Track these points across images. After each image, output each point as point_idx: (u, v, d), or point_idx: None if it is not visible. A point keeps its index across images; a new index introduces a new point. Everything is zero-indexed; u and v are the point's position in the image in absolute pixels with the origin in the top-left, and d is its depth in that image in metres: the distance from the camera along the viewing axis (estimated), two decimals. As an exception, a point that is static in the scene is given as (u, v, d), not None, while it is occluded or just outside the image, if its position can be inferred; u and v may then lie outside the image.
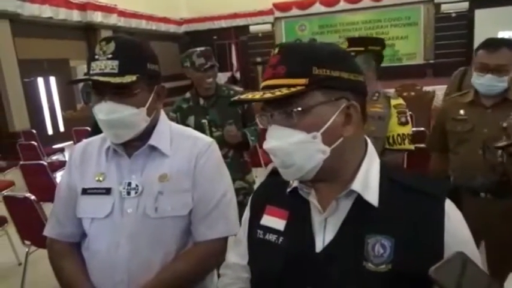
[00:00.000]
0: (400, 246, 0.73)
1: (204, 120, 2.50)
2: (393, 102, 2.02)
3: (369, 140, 0.83)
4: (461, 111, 1.95)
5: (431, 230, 0.73)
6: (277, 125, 0.76)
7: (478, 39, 10.27)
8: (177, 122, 2.47)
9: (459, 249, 0.71)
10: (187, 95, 2.61)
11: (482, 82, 1.85)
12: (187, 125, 2.48)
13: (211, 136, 2.37)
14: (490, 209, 1.83)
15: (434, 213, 0.74)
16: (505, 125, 1.76)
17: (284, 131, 0.75)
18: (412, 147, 2.01)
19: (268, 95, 0.72)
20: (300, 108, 0.73)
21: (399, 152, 2.01)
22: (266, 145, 0.78)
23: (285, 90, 0.72)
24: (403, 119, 2.00)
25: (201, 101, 2.54)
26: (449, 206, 0.76)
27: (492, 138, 1.81)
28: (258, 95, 0.74)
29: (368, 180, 0.77)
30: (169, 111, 2.57)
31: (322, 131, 0.74)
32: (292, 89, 0.72)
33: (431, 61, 12.08)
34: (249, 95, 0.76)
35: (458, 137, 1.95)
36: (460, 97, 2.05)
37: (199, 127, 2.45)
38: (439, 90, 6.35)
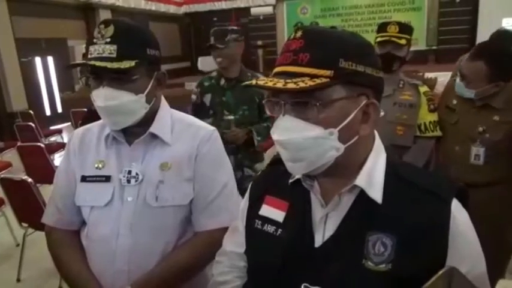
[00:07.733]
0: (401, 246, 0.70)
1: (227, 116, 2.45)
2: (422, 89, 2.04)
3: (377, 135, 0.80)
4: (454, 101, 1.96)
5: (435, 232, 0.70)
6: (291, 116, 0.71)
7: (482, 25, 10.16)
8: (197, 98, 2.53)
9: (464, 250, 0.69)
10: (214, 73, 2.61)
11: (455, 85, 1.88)
12: (204, 102, 2.52)
13: (222, 119, 2.37)
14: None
15: (440, 214, 0.70)
16: (480, 129, 1.81)
17: (299, 123, 0.70)
18: (441, 133, 2.02)
19: (291, 85, 0.66)
20: (320, 102, 0.68)
21: (431, 139, 2.03)
22: (277, 136, 0.72)
23: (308, 81, 0.66)
24: (432, 106, 2.01)
25: (222, 81, 2.53)
26: (455, 207, 0.71)
27: (468, 139, 1.85)
28: (278, 83, 0.68)
29: (373, 176, 0.74)
30: (194, 86, 2.62)
31: (339, 127, 0.70)
32: (317, 81, 0.66)
33: (434, 47, 11.92)
34: (268, 82, 0.69)
35: (445, 126, 1.98)
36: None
37: (213, 106, 2.48)
38: (441, 77, 6.30)
